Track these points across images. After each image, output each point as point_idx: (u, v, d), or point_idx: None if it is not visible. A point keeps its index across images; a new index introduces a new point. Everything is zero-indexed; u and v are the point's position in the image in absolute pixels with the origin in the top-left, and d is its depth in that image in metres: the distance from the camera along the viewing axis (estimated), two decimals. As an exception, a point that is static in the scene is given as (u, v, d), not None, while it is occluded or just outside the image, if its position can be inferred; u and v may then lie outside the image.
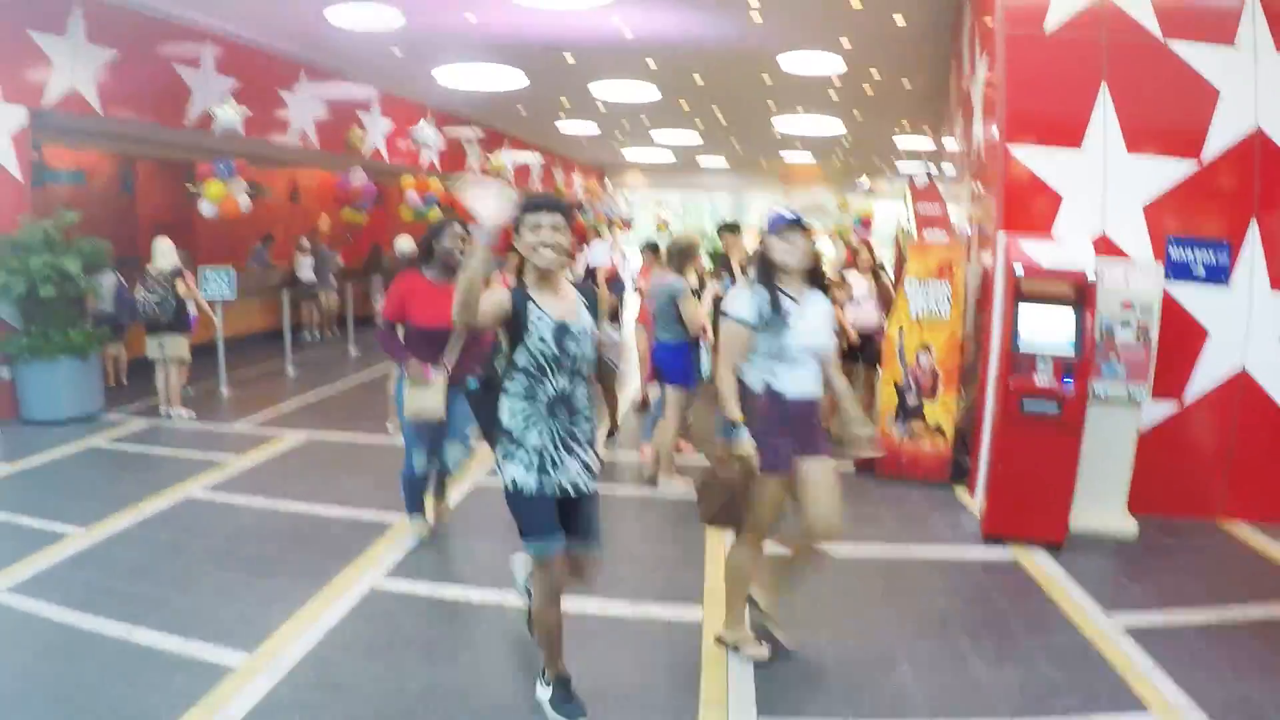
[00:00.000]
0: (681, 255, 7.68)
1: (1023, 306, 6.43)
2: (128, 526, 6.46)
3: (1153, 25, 6.96)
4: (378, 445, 8.75)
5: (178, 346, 10.02)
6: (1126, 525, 6.77)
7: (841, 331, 8.82)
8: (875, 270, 9.72)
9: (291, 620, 4.95)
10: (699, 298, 7.84)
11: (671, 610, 5.27)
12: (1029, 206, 7.14)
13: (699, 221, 36.48)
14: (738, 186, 35.68)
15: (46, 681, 4.30)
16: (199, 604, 5.17)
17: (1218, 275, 7.02)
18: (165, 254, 10.11)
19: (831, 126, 22.24)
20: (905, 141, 23.95)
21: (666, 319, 7.45)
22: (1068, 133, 7.09)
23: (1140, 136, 7.01)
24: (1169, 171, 7.01)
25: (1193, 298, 7.05)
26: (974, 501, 7.35)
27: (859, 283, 9.51)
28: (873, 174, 31.95)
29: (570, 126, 23.54)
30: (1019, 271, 6.35)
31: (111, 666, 4.44)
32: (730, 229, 9.49)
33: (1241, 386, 7.08)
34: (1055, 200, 7.10)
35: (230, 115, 11.82)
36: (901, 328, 7.90)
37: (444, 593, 5.44)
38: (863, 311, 9.30)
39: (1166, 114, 7.05)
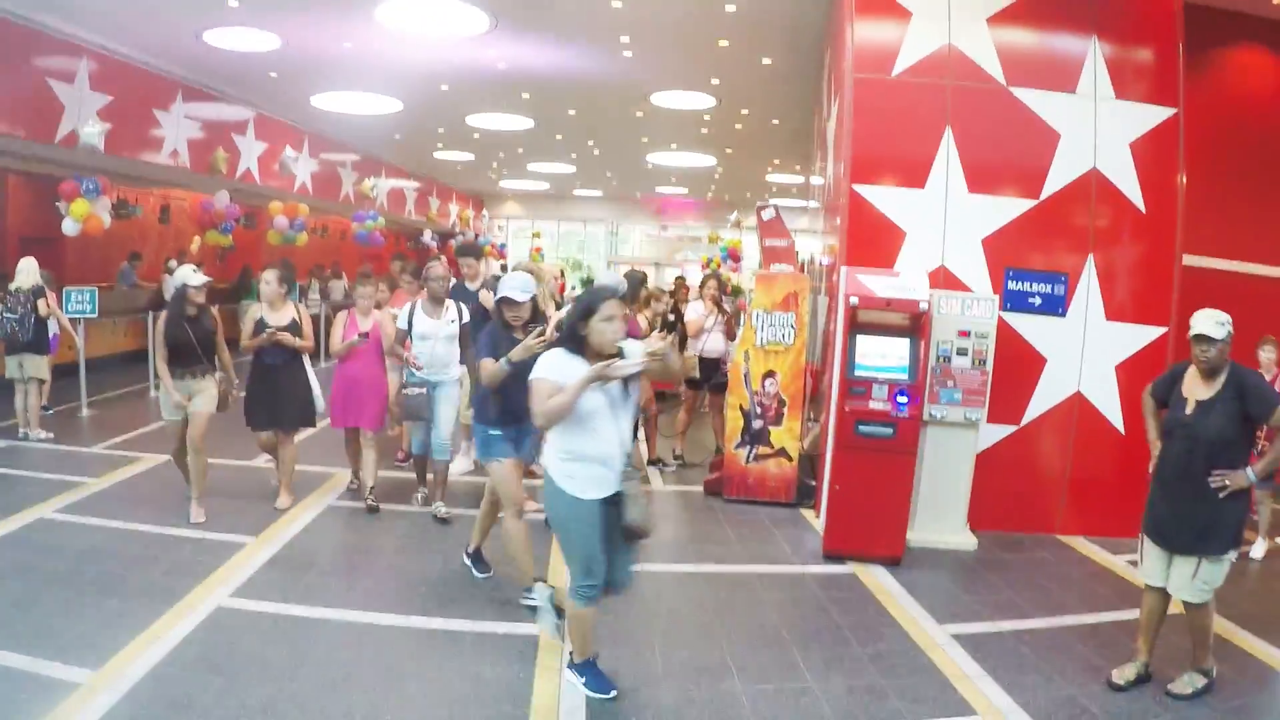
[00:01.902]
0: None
1: (860, 335, 6.81)
2: (-18, 548, 6.32)
3: (997, 72, 7.47)
4: (234, 466, 8.71)
5: (37, 367, 9.75)
6: (966, 540, 7.19)
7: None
8: (719, 302, 9.98)
9: (137, 638, 4.92)
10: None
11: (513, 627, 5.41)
12: (873, 241, 7.54)
13: (572, 251, 36.70)
14: (613, 217, 36.02)
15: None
16: (45, 622, 5.09)
17: (1055, 306, 7.53)
18: (28, 272, 9.85)
19: (704, 160, 22.73)
20: (776, 177, 24.57)
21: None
22: (912, 173, 7.53)
23: (982, 177, 7.50)
24: (1009, 209, 7.51)
25: (1031, 327, 7.55)
26: (819, 521, 7.66)
27: (700, 311, 9.77)
28: (745, 208, 32.68)
29: (447, 155, 23.57)
30: (854, 301, 6.71)
31: None
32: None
33: (1077, 408, 7.60)
34: (899, 236, 7.53)
35: (91, 133, 11.61)
36: (748, 354, 8.21)
37: (288, 611, 5.47)
38: (710, 340, 9.60)
39: (1008, 155, 7.57)
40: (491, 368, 5.33)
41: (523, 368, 4.81)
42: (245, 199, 16.53)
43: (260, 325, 7.33)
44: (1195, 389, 4.81)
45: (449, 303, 7.38)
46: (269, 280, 7.46)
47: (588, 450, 4.19)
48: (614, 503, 4.24)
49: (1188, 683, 4.81)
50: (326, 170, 20.48)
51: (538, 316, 5.74)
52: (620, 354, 4.18)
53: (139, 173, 14.28)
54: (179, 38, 12.14)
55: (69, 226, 11.55)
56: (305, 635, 5.16)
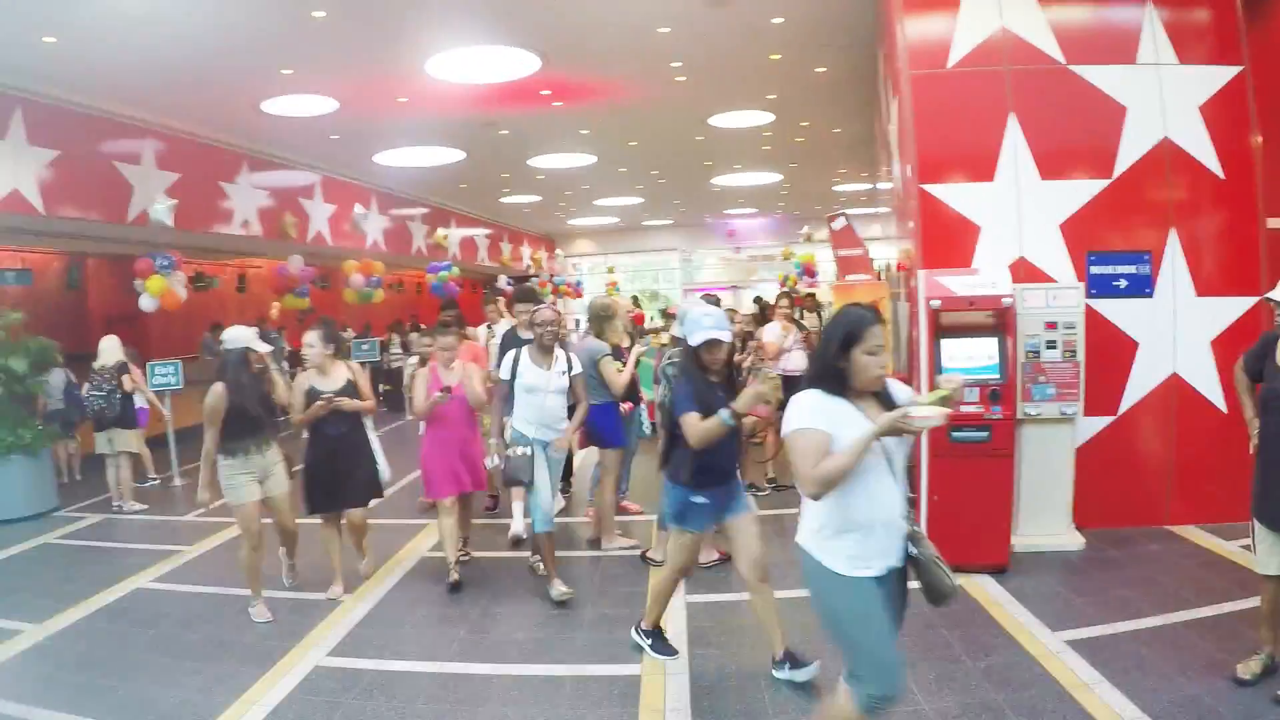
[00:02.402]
0: (599, 319, 7.83)
1: (945, 338, 6.60)
2: (77, 620, 6.44)
3: (1055, 52, 7.24)
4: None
5: (126, 441, 10.04)
6: (1072, 540, 6.91)
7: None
8: (794, 318, 9.81)
9: (235, 703, 4.95)
10: (623, 359, 7.91)
11: (613, 669, 5.32)
12: (948, 240, 7.33)
13: (648, 282, 36.73)
14: (685, 244, 36.00)
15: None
16: (142, 691, 5.16)
17: (1141, 287, 7.25)
18: (110, 351, 10.18)
19: (769, 178, 22.60)
20: (844, 187, 24.36)
21: (591, 382, 7.50)
22: (980, 167, 7.33)
23: (1052, 161, 7.26)
24: (1083, 191, 7.26)
25: (1119, 311, 7.26)
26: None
27: (777, 332, 9.61)
28: (815, 221, 32.43)
29: (514, 198, 23.78)
30: (935, 304, 6.51)
31: None
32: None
33: (1175, 391, 7.29)
34: (974, 232, 7.30)
35: (160, 210, 11.91)
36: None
37: (385, 666, 5.45)
38: (791, 358, 9.42)
39: (1076, 136, 7.31)
40: (707, 424, 4.63)
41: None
42: (319, 261, 16.84)
43: (313, 394, 6.54)
44: None
45: (559, 351, 6.64)
46: (311, 343, 6.67)
47: (863, 516, 3.38)
48: (898, 576, 3.53)
49: None
50: (397, 225, 20.78)
51: (732, 362, 5.24)
52: (886, 392, 3.47)
53: (212, 245, 14.74)
54: (238, 110, 12.45)
55: (146, 303, 11.86)
56: (402, 689, 5.13)
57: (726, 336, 4.80)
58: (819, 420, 3.33)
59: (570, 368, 6.61)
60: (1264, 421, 4.63)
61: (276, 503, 6.51)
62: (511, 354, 6.65)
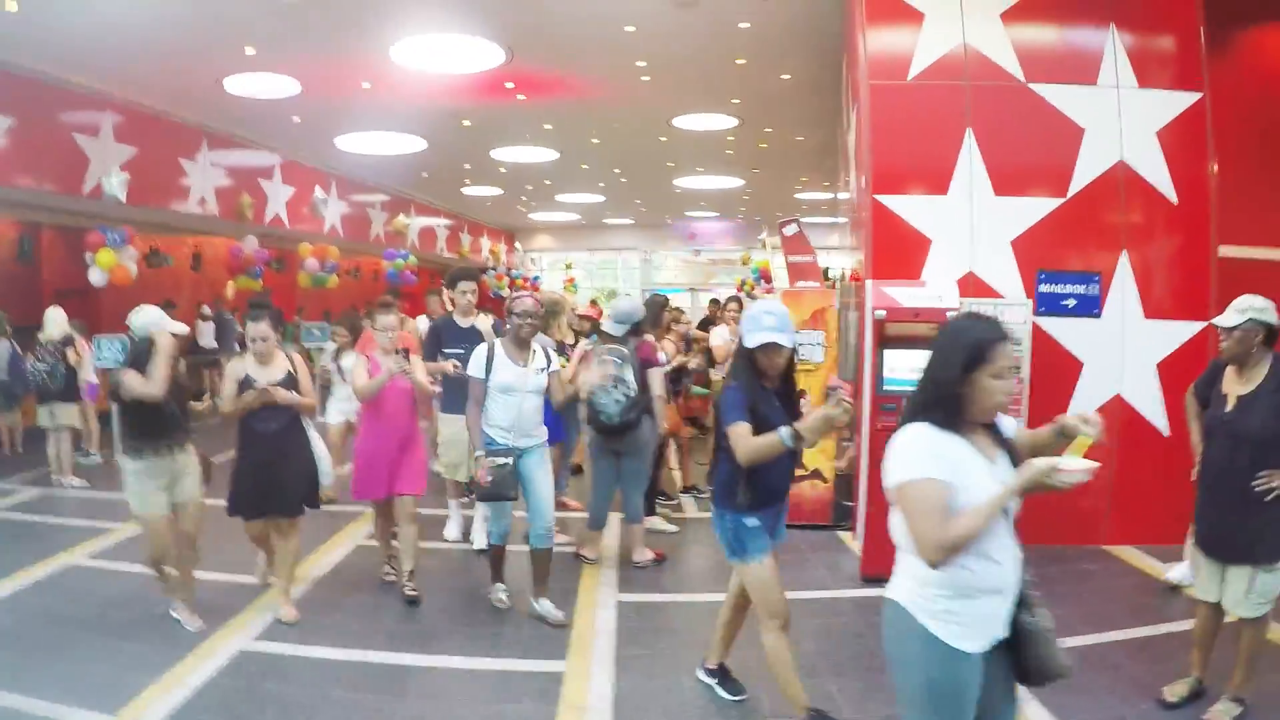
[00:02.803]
0: (545, 315, 7.78)
1: (890, 349, 6.60)
2: (5, 595, 6.32)
3: (1015, 69, 7.30)
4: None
5: (68, 415, 9.89)
6: (1006, 555, 6.91)
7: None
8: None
9: (157, 682, 4.89)
10: (567, 356, 7.81)
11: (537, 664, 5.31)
12: (899, 252, 7.34)
13: (607, 281, 36.64)
14: (645, 244, 35.97)
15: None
16: (67, 668, 5.10)
17: (1090, 307, 7.31)
18: (56, 323, 10.02)
19: (731, 182, 22.62)
20: (805, 195, 24.42)
21: None
22: (934, 180, 7.36)
23: (1007, 178, 7.31)
24: (1037, 209, 7.32)
25: (1066, 330, 7.33)
26: (856, 544, 7.45)
27: (725, 335, 9.62)
28: (775, 228, 32.48)
29: (475, 190, 23.64)
30: (880, 314, 6.52)
31: None
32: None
33: (1118, 412, 7.34)
34: (925, 244, 7.34)
35: (114, 183, 11.72)
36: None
37: (310, 653, 5.39)
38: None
39: (1032, 154, 7.39)
40: (760, 441, 3.99)
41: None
42: (276, 243, 16.65)
43: (247, 383, 5.68)
44: (1234, 385, 4.54)
45: (536, 346, 5.92)
46: (262, 336, 5.78)
47: (984, 582, 2.75)
48: (1004, 649, 2.86)
49: (1223, 712, 4.47)
50: (356, 211, 20.58)
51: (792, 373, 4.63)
52: (995, 424, 2.92)
53: (168, 221, 14.47)
54: (199, 87, 12.23)
55: (96, 276, 11.65)
56: (325, 676, 5.10)
57: (788, 341, 4.21)
58: (938, 467, 2.71)
59: (549, 364, 5.93)
60: (1206, 447, 4.67)
61: (183, 508, 5.70)
62: (483, 349, 5.82)
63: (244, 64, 11.34)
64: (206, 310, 16.74)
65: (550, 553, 5.90)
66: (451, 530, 7.82)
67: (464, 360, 6.11)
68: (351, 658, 5.33)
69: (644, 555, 7.08)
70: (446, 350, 6.96)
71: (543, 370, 5.86)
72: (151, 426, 5.50)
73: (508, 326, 5.88)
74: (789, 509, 4.83)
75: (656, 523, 7.98)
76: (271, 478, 5.77)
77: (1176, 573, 6.42)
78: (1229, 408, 4.52)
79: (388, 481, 6.24)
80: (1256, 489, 4.33)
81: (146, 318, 5.71)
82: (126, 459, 5.53)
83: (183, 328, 5.86)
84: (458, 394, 6.41)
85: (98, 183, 11.79)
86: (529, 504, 5.81)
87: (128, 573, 6.81)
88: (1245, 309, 4.42)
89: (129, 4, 9.04)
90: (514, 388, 5.71)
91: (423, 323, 9.56)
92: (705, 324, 11.40)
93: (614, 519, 7.56)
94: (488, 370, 5.71)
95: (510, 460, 5.61)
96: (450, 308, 7.88)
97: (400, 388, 6.20)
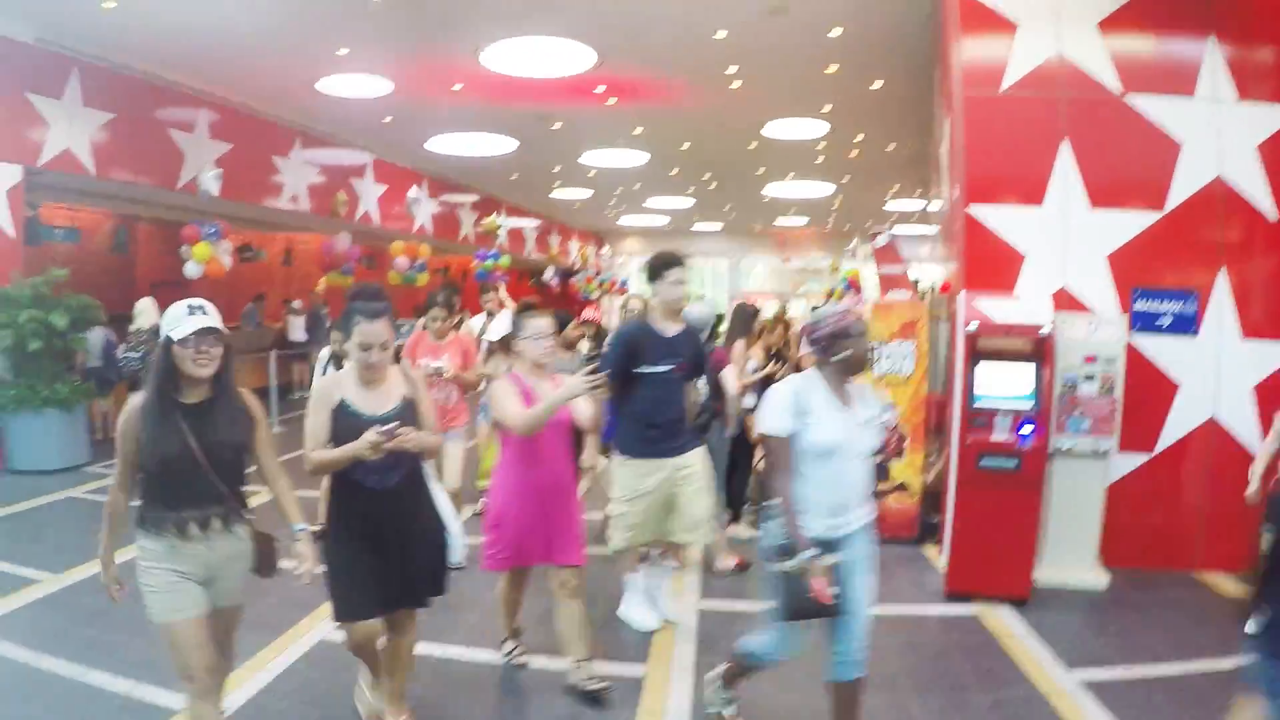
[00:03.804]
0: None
1: (981, 363, 6.48)
2: (95, 574, 6.43)
3: (1112, 81, 7.09)
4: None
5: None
6: (1097, 578, 6.75)
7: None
8: None
9: (240, 668, 4.94)
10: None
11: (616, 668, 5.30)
12: (992, 265, 7.19)
13: (694, 286, 36.63)
14: (733, 250, 35.92)
15: (-2, 718, 4.40)
16: (149, 649, 5.16)
17: (1185, 325, 7.07)
18: (147, 313, 10.32)
19: (822, 190, 22.47)
20: (896, 204, 24.17)
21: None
22: (1028, 192, 7.18)
23: (1102, 191, 7.10)
24: (1133, 224, 7.10)
25: (1161, 349, 7.09)
26: (941, 559, 7.30)
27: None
28: (865, 237, 32.24)
29: (564, 193, 23.81)
30: (972, 328, 6.41)
31: (62, 707, 4.56)
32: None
33: (1213, 435, 7.09)
34: (1018, 258, 7.16)
35: (208, 179, 12.08)
36: (866, 387, 7.89)
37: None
38: None
39: (1128, 167, 7.15)
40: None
41: None
42: (366, 241, 16.97)
43: (346, 415, 3.90)
44: None
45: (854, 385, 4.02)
46: (377, 338, 3.87)
47: None
48: None
49: None
50: (446, 211, 20.88)
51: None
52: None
53: (260, 217, 14.89)
54: (293, 87, 12.55)
55: (191, 269, 12.00)
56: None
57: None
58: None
59: (880, 410, 4.76)
60: None
61: (220, 617, 3.77)
62: (792, 384, 3.91)
63: (337, 65, 11.59)
64: (297, 304, 17.10)
65: (863, 684, 4.16)
66: (641, 615, 5.93)
67: (666, 387, 5.36)
68: (431, 652, 5.33)
69: (726, 563, 7.03)
70: (645, 370, 5.36)
71: (874, 419, 4.07)
72: (179, 488, 3.51)
73: (813, 350, 3.97)
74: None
75: (740, 530, 7.92)
76: (391, 556, 4.02)
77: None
78: None
79: (542, 547, 4.74)
80: None
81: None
82: (141, 536, 3.60)
83: (212, 325, 3.53)
84: (639, 426, 5.43)
85: (193, 177, 12.15)
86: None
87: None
88: None
89: (227, 5, 9.29)
90: (839, 449, 3.84)
91: (477, 321, 9.04)
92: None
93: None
94: (802, 420, 3.81)
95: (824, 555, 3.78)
96: (506, 302, 7.47)
97: (558, 419, 4.70)
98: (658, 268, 5.41)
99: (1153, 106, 7.07)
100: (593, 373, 4.48)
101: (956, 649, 5.63)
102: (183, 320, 3.42)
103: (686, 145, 17.12)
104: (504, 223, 23.68)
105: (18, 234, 10.12)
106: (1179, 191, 7.04)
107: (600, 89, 12.76)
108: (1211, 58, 7.06)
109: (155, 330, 10.12)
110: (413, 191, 18.80)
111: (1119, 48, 7.10)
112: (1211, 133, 7.03)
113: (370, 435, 3.71)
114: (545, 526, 4.68)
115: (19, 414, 9.73)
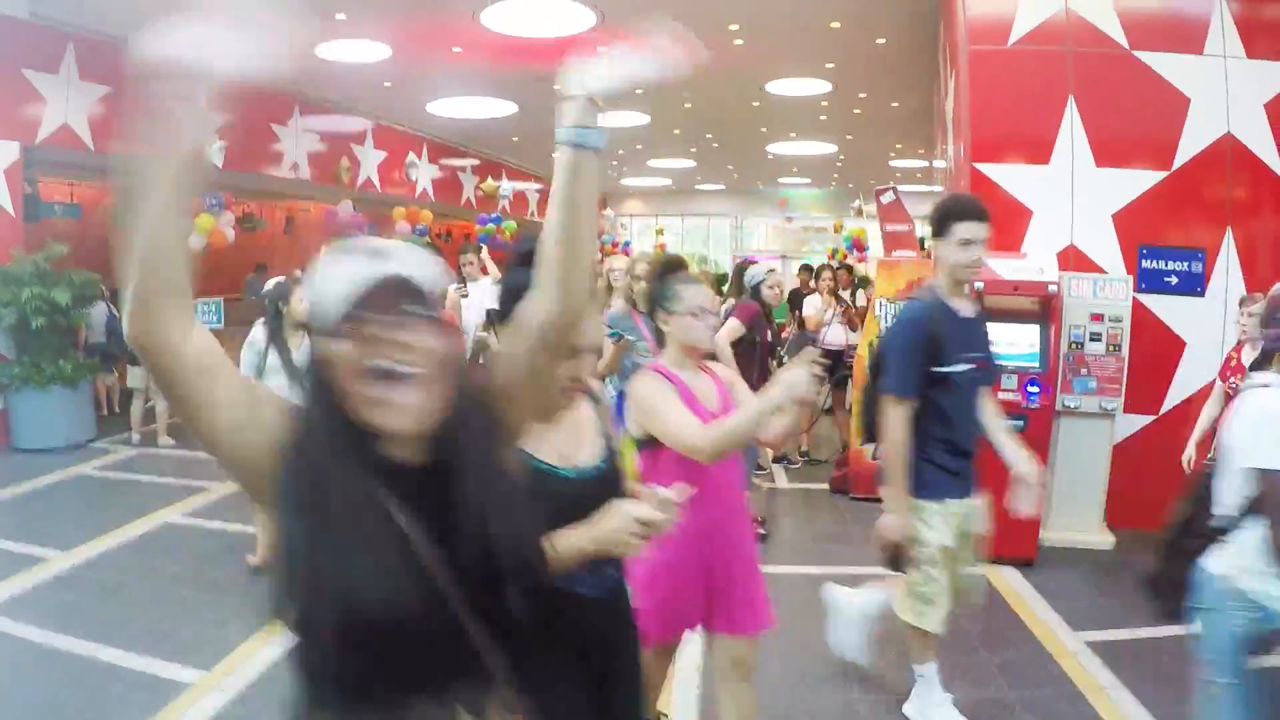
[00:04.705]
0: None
1: (988, 322, 6.43)
2: (105, 550, 6.55)
3: (1120, 36, 7.01)
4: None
5: (160, 377, 10.06)
6: (1103, 539, 6.76)
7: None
8: (836, 292, 9.63)
9: (251, 640, 4.99)
10: None
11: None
12: (998, 223, 6.98)
13: (697, 246, 36.48)
14: (737, 210, 35.76)
15: (12, 697, 4.45)
16: (163, 624, 5.25)
17: (1193, 285, 7.03)
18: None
19: (824, 148, 22.33)
20: (900, 163, 24.02)
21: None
22: (1035, 149, 7.12)
23: (1109, 149, 7.04)
24: (1140, 182, 7.04)
25: (1168, 308, 7.06)
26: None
27: (816, 305, 9.51)
28: (869, 195, 32.05)
29: (566, 155, 23.68)
30: (979, 286, 6.36)
31: (75, 683, 4.55)
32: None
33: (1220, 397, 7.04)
34: (1025, 215, 7.12)
35: (210, 150, 12.02)
36: (872, 345, 7.86)
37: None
38: (830, 332, 9.28)
39: (1136, 124, 7.09)
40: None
41: None
42: (367, 207, 16.92)
43: (557, 482, 2.38)
44: None
45: None
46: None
47: None
48: None
49: None
50: (447, 175, 20.80)
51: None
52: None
53: (261, 186, 14.80)
54: (291, 53, 12.40)
55: (194, 241, 11.92)
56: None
57: None
58: None
59: None
60: None
61: None
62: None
63: (335, 29, 11.45)
64: (298, 274, 17.03)
65: None
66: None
67: (968, 394, 4.03)
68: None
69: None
70: (943, 369, 3.87)
71: None
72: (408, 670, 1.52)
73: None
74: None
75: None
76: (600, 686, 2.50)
77: None
78: None
79: (705, 608, 3.28)
80: None
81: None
82: None
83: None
84: (941, 452, 3.98)
85: (192, 147, 12.10)
86: None
87: (223, 530, 7.02)
88: None
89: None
90: None
91: (452, 288, 8.22)
92: (795, 295, 10.82)
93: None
94: None
95: None
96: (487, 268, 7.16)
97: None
98: (946, 218, 3.91)
99: (1161, 62, 6.99)
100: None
101: (965, 611, 5.62)
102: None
103: (688, 105, 16.97)
104: (505, 185, 23.56)
105: (17, 212, 10.08)
106: (1186, 149, 6.97)
107: (601, 49, 12.62)
108: (1220, 14, 6.96)
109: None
110: (410, 157, 18.75)
111: (1127, 3, 7.02)
112: (1220, 89, 6.94)
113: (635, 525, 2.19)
114: (710, 581, 3.25)
115: (23, 392, 9.69)
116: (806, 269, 11.86)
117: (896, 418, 3.83)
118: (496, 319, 2.59)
